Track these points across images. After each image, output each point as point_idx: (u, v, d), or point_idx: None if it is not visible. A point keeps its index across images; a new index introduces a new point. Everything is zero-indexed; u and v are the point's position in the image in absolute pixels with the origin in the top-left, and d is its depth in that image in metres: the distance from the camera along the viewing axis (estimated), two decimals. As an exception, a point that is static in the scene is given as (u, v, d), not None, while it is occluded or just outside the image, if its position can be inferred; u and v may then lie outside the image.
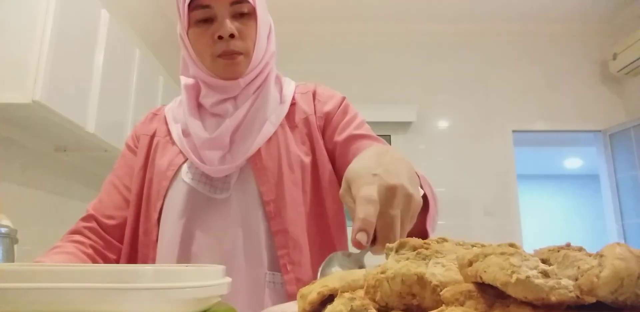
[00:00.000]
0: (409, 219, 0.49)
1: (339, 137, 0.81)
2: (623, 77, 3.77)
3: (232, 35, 0.75)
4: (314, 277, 0.74)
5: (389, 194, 0.47)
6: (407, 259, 0.33)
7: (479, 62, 4.01)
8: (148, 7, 3.27)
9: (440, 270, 0.31)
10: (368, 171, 0.49)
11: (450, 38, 4.06)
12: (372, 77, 3.98)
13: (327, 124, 0.83)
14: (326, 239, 0.79)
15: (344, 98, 0.86)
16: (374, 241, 0.46)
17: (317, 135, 0.81)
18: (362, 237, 0.44)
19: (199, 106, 0.83)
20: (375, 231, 0.45)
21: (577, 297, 0.24)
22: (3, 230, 1.36)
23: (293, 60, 3.85)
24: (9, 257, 1.36)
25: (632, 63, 3.52)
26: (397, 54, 4.06)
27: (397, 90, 3.95)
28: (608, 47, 3.84)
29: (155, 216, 0.78)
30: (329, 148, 0.82)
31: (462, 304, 0.27)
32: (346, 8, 3.84)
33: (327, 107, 0.83)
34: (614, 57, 3.68)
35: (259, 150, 0.77)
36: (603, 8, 3.76)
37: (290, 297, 0.71)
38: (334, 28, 4.08)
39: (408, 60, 4.04)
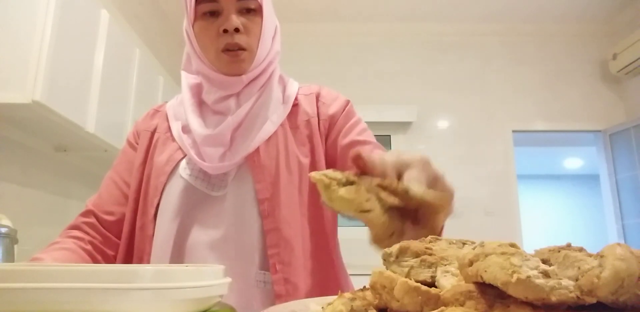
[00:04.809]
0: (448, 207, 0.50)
1: (343, 141, 0.81)
2: (623, 77, 3.77)
3: (237, 30, 0.75)
4: (304, 278, 0.74)
5: (435, 181, 0.50)
6: (411, 267, 0.32)
7: (479, 62, 4.01)
8: (148, 7, 3.27)
9: (452, 280, 0.30)
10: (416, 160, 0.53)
11: (450, 38, 4.06)
12: (372, 77, 3.98)
13: (332, 127, 0.83)
14: (321, 241, 0.78)
15: (348, 101, 0.87)
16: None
17: (318, 138, 0.81)
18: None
19: (201, 103, 0.83)
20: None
21: (578, 297, 0.24)
22: (3, 230, 1.36)
23: (293, 60, 3.85)
24: (9, 257, 1.36)
25: (632, 63, 3.51)
26: (397, 54, 4.05)
27: (397, 90, 3.95)
28: (608, 47, 3.84)
29: (152, 211, 0.77)
30: (331, 151, 0.82)
31: (462, 305, 0.27)
32: (346, 8, 3.84)
33: (332, 110, 0.83)
34: (614, 57, 3.67)
35: (257, 148, 0.77)
36: (603, 8, 3.76)
37: (278, 297, 0.71)
38: (334, 28, 4.08)
39: (408, 60, 4.04)
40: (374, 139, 0.83)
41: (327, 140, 0.83)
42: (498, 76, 3.98)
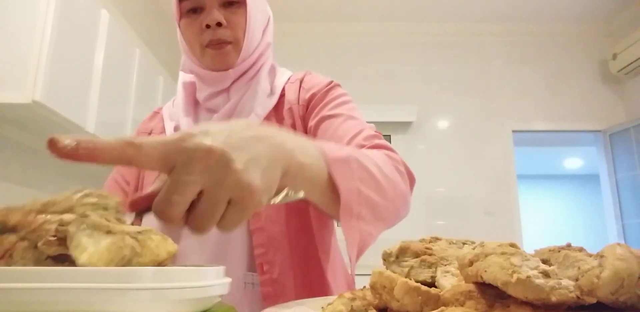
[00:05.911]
0: (225, 197, 0.35)
1: (312, 122, 0.75)
2: (623, 77, 3.77)
3: (219, 24, 0.74)
4: (292, 278, 0.71)
5: (191, 155, 0.33)
6: (411, 267, 0.32)
7: (479, 62, 4.01)
8: (148, 7, 3.27)
9: (452, 280, 0.30)
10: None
11: (450, 38, 4.06)
12: (372, 77, 3.98)
13: (309, 109, 0.78)
14: (308, 237, 0.76)
15: (330, 82, 0.80)
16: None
17: (300, 126, 0.77)
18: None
19: (196, 103, 0.83)
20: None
21: (578, 297, 0.24)
22: (3, 230, 1.36)
23: (293, 60, 3.85)
24: (9, 257, 1.36)
25: (632, 63, 3.51)
26: (397, 54, 4.05)
27: (397, 90, 3.95)
28: (608, 47, 3.84)
29: None
30: (307, 136, 0.74)
31: (462, 305, 0.27)
32: (346, 8, 3.84)
33: (309, 93, 0.79)
34: (614, 57, 3.67)
35: None
36: (603, 8, 3.76)
37: (265, 299, 0.69)
38: (334, 28, 4.08)
39: (408, 60, 4.04)
40: (353, 113, 0.73)
41: (304, 125, 0.77)
42: (498, 76, 3.98)
